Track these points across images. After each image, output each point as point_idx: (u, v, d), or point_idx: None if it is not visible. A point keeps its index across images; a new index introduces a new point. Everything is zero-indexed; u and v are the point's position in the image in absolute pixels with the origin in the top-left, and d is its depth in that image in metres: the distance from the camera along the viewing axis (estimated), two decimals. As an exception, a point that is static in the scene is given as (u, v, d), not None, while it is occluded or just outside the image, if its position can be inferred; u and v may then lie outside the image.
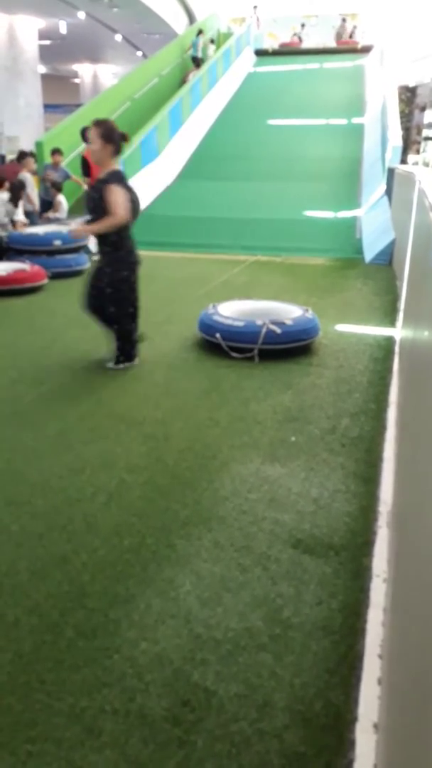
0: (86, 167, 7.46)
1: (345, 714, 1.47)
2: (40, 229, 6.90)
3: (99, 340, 4.42)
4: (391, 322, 4.83)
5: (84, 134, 7.35)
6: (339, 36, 18.39)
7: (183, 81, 13.64)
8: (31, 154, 7.93)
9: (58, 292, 5.94)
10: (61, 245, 6.68)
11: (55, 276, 6.30)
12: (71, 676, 1.57)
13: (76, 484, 2.49)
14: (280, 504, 2.35)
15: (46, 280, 6.02)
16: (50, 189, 7.94)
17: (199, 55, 14.49)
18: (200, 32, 15.01)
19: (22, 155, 7.87)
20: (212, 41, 15.97)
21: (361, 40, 17.82)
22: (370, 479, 2.55)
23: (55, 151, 8.08)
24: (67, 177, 8.20)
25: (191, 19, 17.77)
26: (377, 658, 1.61)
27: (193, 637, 1.69)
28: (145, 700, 1.50)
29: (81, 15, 14.58)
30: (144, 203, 9.86)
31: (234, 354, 3.97)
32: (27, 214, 7.38)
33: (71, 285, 6.26)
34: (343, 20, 18.42)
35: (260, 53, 17.82)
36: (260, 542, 2.11)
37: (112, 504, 2.35)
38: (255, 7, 18.29)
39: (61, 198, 8.06)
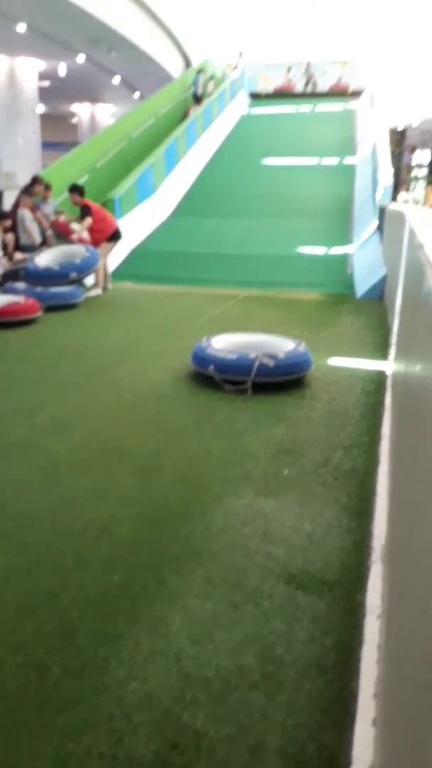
0: (86, 213, 7.61)
1: (339, 757, 1.42)
2: (50, 260, 7.06)
3: (92, 372, 4.43)
4: (383, 356, 4.88)
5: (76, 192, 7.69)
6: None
7: (184, 116, 14.32)
8: (39, 184, 8.02)
9: (53, 324, 5.98)
10: (76, 276, 7.03)
11: (50, 308, 6.35)
12: (57, 718, 1.52)
13: (66, 517, 2.46)
14: (273, 538, 2.33)
15: (40, 313, 6.05)
16: (52, 228, 8.05)
17: (200, 92, 15.23)
18: (200, 71, 15.75)
19: (31, 185, 7.97)
20: (212, 77, 16.77)
21: (350, 85, 18.48)
22: (363, 513, 2.53)
23: (45, 186, 8.24)
24: (54, 211, 8.33)
25: (187, 63, 18.43)
26: (372, 698, 1.57)
27: (183, 676, 1.65)
28: (133, 744, 1.45)
29: (80, 58, 15.08)
30: (140, 238, 10.04)
31: (227, 386, 3.99)
32: (26, 248, 7.48)
33: (66, 317, 6.32)
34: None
35: (254, 96, 18.45)
36: (253, 577, 2.08)
37: (102, 538, 2.31)
38: (240, 54, 19.09)
39: (74, 225, 8.07)
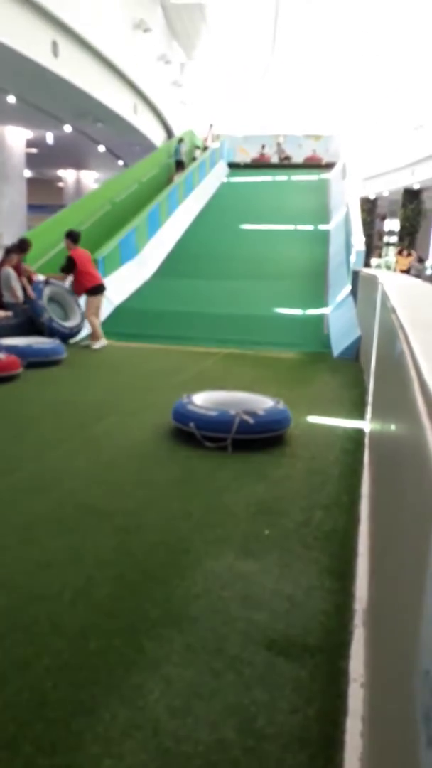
0: (70, 265, 7.89)
1: None
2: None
3: (71, 430, 4.41)
4: (360, 415, 4.96)
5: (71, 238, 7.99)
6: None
7: (169, 181, 15.26)
8: (24, 250, 8.17)
9: (34, 381, 5.97)
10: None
11: (31, 365, 6.36)
12: (27, 801, 1.43)
13: (41, 580, 2.39)
14: (254, 602, 2.28)
15: (20, 370, 6.05)
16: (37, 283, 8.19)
17: (183, 159, 16.34)
18: (181, 140, 16.87)
19: (18, 246, 8.12)
20: (198, 147, 18.31)
21: (324, 158, 19.62)
22: (344, 575, 2.51)
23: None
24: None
25: (169, 134, 19.41)
26: (357, 773, 1.51)
27: (162, 752, 1.58)
28: None
29: (67, 128, 15.78)
30: (122, 297, 10.24)
31: (208, 444, 3.99)
32: (10, 306, 7.58)
33: (46, 374, 6.32)
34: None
35: (233, 165, 19.42)
36: (233, 644, 2.03)
37: (79, 602, 2.24)
38: (211, 125, 20.38)
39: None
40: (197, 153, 17.23)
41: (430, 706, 0.74)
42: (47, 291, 7.95)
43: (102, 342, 7.97)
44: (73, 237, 7.98)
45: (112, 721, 1.67)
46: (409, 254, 20.22)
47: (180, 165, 16.18)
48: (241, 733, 1.65)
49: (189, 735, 1.63)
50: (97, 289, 8.05)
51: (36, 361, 6.50)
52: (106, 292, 9.73)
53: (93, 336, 8.06)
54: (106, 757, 1.56)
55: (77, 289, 7.99)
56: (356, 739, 1.63)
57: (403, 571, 1.18)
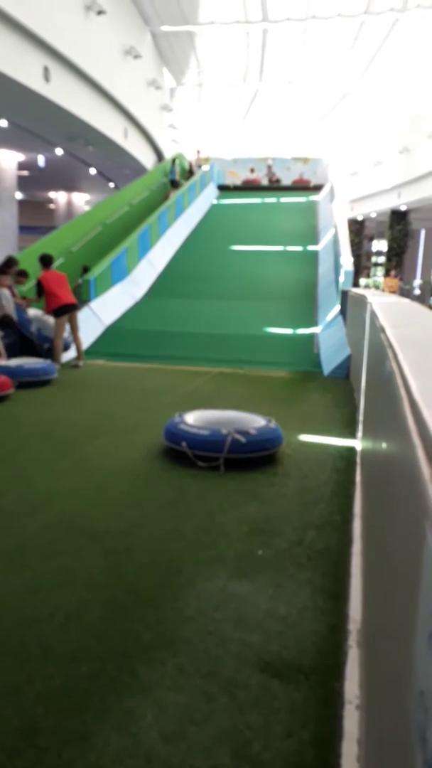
0: (39, 289, 7.96)
1: None
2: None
3: (62, 450, 4.38)
4: (351, 434, 4.97)
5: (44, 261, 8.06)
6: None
7: (165, 198, 16.03)
8: (10, 267, 8.21)
9: (24, 401, 5.95)
10: None
11: (22, 385, 6.34)
12: None
13: (32, 603, 2.36)
14: (248, 624, 2.26)
15: (12, 390, 6.03)
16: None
17: (177, 178, 17.38)
18: (174, 161, 17.74)
19: (5, 265, 8.16)
20: (191, 173, 19.00)
21: (312, 180, 19.96)
22: (338, 595, 2.49)
23: (20, 273, 8.50)
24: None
25: (159, 157, 19.70)
26: (354, 798, 1.49)
27: (155, 780, 1.55)
28: None
29: (59, 151, 15.97)
30: (113, 317, 10.27)
31: (200, 463, 3.98)
32: (2, 326, 7.60)
33: (37, 394, 6.30)
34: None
35: (223, 188, 19.70)
36: (227, 666, 2.00)
37: (70, 625, 2.21)
38: (198, 151, 21.15)
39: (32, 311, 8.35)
40: (195, 170, 17.87)
41: (425, 727, 0.74)
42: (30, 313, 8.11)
43: (81, 362, 8.14)
44: (44, 261, 8.06)
45: (104, 749, 1.64)
46: (396, 276, 20.58)
47: (174, 184, 17.06)
48: (235, 759, 1.62)
49: (183, 761, 1.61)
50: (63, 310, 7.92)
51: (27, 381, 6.49)
52: (97, 311, 9.74)
53: (78, 356, 8.19)
54: (98, 785, 1.52)
55: (47, 310, 8.04)
56: (352, 763, 1.61)
57: (395, 590, 1.18)
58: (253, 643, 2.13)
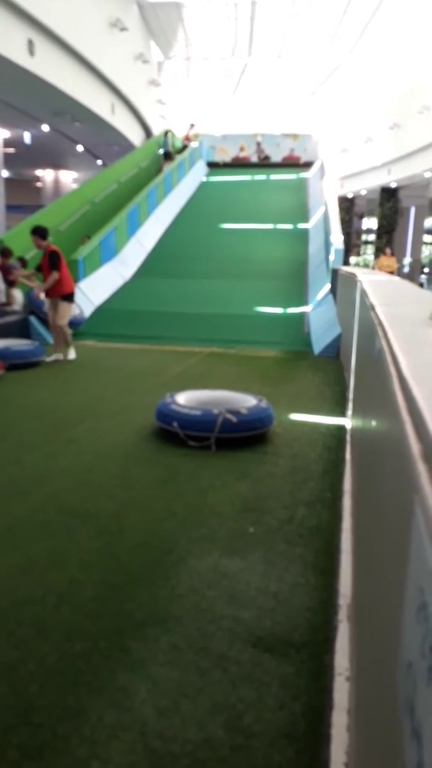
0: (56, 261, 6.89)
1: None
2: None
3: (51, 432, 4.37)
4: (342, 412, 5.00)
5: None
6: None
7: (159, 170, 16.07)
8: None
9: (13, 383, 5.91)
10: None
11: (12, 367, 6.29)
12: (13, 807, 1.42)
13: (25, 584, 2.37)
14: (239, 600, 2.29)
15: (1, 372, 5.98)
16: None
17: (170, 149, 17.36)
18: (167, 133, 17.64)
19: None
20: (184, 147, 18.67)
21: (302, 157, 19.71)
22: (328, 571, 2.53)
23: (3, 251, 8.34)
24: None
25: (147, 133, 19.35)
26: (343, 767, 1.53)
27: (149, 752, 1.57)
28: None
29: (45, 127, 15.63)
30: (102, 298, 10.18)
31: (191, 443, 3.99)
32: None
33: (26, 376, 6.26)
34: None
35: (212, 165, 19.41)
36: (219, 642, 2.03)
37: (63, 605, 2.23)
38: (192, 125, 20.52)
39: (15, 292, 8.24)
40: (170, 154, 17.54)
41: (413, 697, 0.75)
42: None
43: (58, 356, 7.10)
44: (40, 233, 6.85)
45: (98, 723, 1.66)
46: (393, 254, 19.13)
47: (168, 156, 16.97)
48: (228, 731, 1.65)
49: (176, 734, 1.63)
50: (73, 296, 7.23)
51: (15, 363, 6.44)
52: (86, 291, 9.57)
53: (66, 343, 7.17)
54: (94, 759, 1.55)
55: (52, 292, 6.92)
56: (342, 733, 1.64)
57: (384, 565, 1.20)
58: (245, 619, 2.16)
